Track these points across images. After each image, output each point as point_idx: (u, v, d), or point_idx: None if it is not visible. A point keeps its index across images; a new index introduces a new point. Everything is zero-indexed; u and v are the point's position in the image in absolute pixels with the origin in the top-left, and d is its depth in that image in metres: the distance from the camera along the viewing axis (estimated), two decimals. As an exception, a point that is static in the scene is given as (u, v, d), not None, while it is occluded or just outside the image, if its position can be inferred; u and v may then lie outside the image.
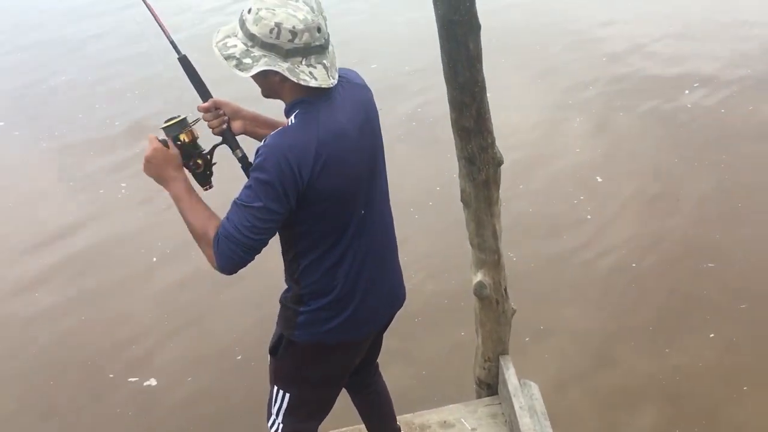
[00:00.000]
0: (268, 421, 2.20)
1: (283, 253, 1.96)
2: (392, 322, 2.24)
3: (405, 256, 2.28)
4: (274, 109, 1.98)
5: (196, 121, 2.00)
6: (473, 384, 3.00)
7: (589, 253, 4.27)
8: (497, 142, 2.37)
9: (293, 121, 1.78)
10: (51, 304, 4.24)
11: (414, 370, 3.57)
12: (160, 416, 3.48)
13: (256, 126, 2.06)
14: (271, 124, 2.03)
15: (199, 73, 1.99)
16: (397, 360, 3.46)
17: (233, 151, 1.99)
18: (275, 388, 2.13)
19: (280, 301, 2.04)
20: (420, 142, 5.46)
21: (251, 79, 1.82)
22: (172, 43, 1.94)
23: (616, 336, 3.69)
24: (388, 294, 2.12)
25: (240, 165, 1.99)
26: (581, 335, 3.72)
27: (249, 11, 1.71)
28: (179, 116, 1.94)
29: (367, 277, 1.96)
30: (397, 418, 2.65)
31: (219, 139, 2.02)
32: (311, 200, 1.77)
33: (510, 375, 2.72)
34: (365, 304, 1.98)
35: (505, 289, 2.63)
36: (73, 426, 3.50)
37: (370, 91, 1.97)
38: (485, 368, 2.85)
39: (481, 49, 2.16)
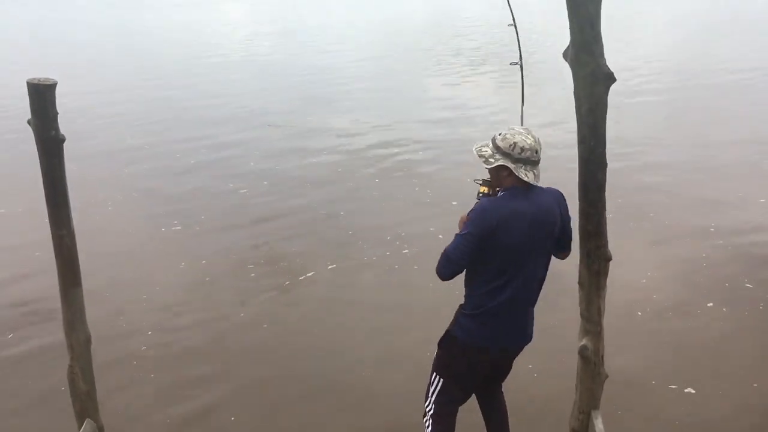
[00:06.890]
0: (425, 402, 3.23)
1: (467, 271, 3.08)
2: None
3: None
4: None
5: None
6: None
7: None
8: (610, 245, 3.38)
9: (499, 195, 2.95)
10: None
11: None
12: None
13: None
14: None
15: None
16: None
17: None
18: (434, 374, 3.18)
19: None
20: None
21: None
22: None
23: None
24: (521, 329, 3.15)
25: None
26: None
27: (500, 134, 2.97)
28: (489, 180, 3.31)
29: (510, 309, 3.02)
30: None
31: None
32: (490, 245, 2.89)
33: (598, 423, 3.56)
34: (502, 325, 3.04)
35: (602, 356, 3.53)
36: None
37: (558, 204, 3.17)
38: (579, 419, 3.69)
39: (605, 180, 3.22)
